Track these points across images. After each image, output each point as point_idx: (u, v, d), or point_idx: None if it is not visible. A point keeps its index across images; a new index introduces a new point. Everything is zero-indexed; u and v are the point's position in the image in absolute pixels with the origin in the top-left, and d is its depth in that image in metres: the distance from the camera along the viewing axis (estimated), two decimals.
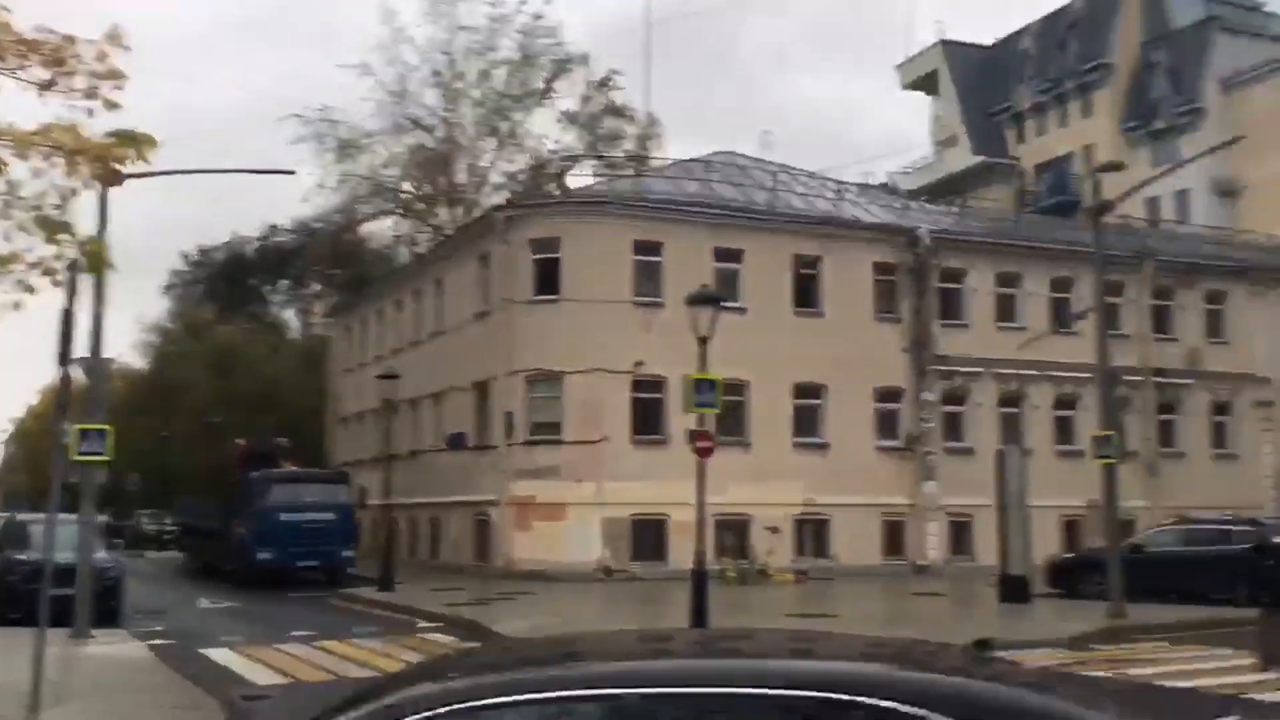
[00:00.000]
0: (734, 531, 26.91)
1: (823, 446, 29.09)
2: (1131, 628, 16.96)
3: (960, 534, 29.96)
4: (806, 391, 29.11)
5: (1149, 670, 12.91)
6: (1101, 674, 12.73)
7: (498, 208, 31.09)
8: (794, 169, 33.17)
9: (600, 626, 14.98)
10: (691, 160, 32.98)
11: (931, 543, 29.77)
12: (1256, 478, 33.28)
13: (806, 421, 29.14)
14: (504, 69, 43.67)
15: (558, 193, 37.50)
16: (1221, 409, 33.55)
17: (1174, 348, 32.81)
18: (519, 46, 43.22)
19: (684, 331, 15.82)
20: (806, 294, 29.61)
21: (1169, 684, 11.94)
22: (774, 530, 27.13)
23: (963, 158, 59.40)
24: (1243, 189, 49.77)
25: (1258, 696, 11.03)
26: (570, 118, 44.63)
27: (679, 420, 22.90)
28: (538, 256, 27.75)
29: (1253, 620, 18.16)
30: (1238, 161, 48.98)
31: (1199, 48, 52.52)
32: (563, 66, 43.77)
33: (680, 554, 21.59)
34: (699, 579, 14.81)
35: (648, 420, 27.05)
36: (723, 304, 16.18)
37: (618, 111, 45.00)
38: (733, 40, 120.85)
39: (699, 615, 14.53)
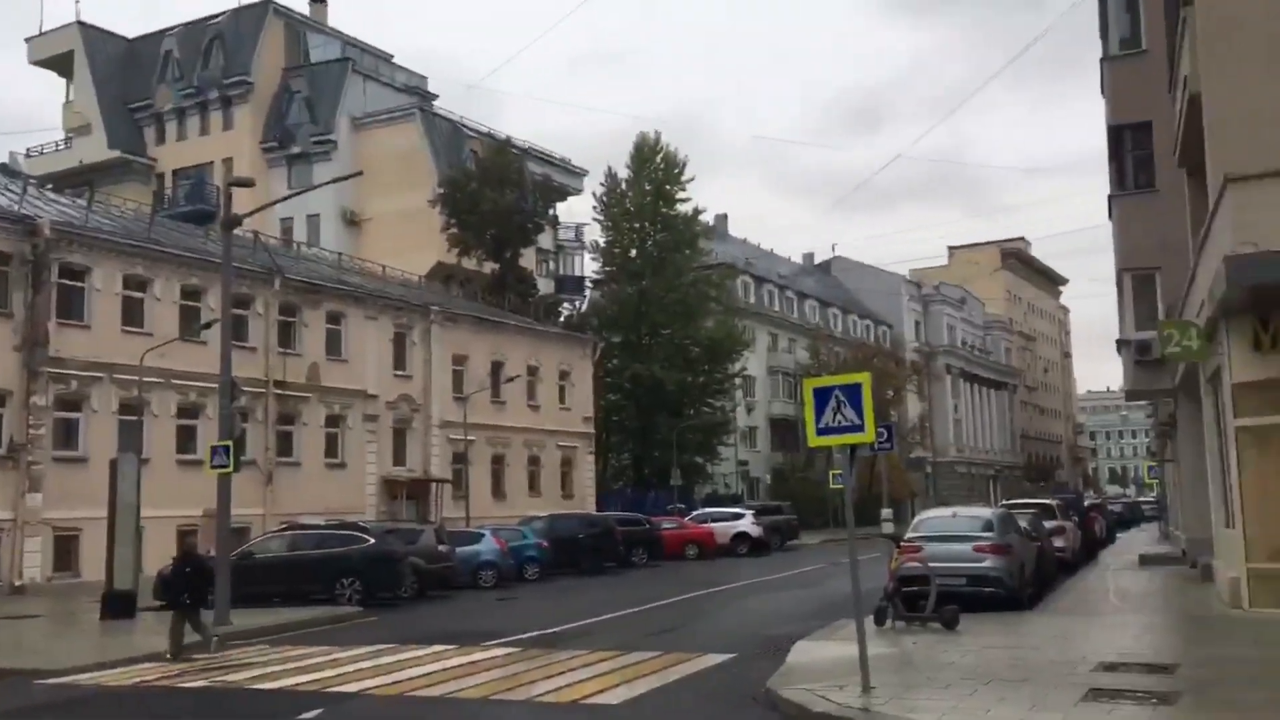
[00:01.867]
0: None
1: None
2: (236, 634, 17.29)
3: (67, 549, 27.90)
4: None
5: (244, 675, 13.24)
6: (201, 683, 12.74)
7: None
8: None
9: None
10: None
11: (31, 560, 27.22)
12: (362, 485, 36.50)
13: None
14: None
15: None
16: (335, 421, 36.12)
17: (297, 362, 34.54)
18: None
19: None
20: None
21: (263, 687, 12.36)
22: None
23: (97, 149, 56.05)
24: (365, 220, 54.58)
25: (343, 689, 11.92)
26: None
27: None
28: None
29: (353, 617, 19.91)
30: (363, 195, 53.66)
31: (335, 85, 56.44)
32: None
33: None
34: None
35: None
36: None
37: None
38: None
39: None
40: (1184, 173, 19.48)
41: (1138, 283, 24.26)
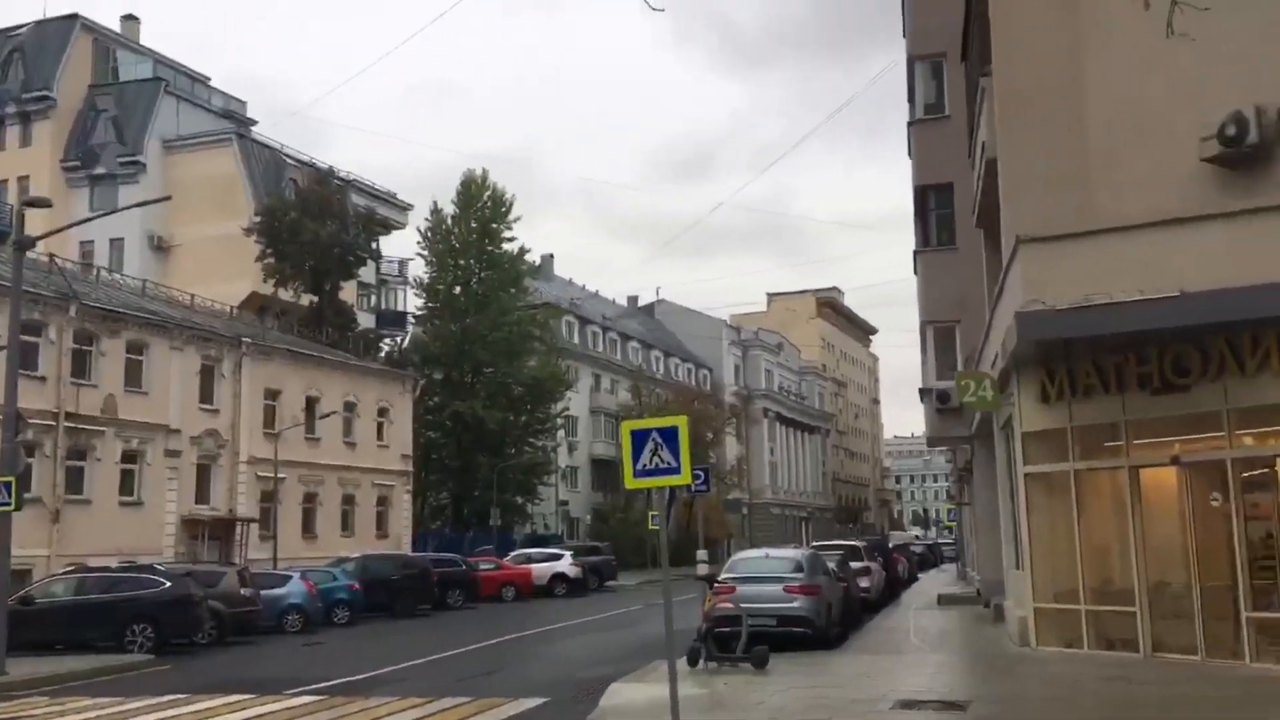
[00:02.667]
0: None
1: None
2: (14, 684, 16.08)
3: None
4: None
5: None
6: None
7: None
8: None
9: None
10: None
11: None
12: (160, 524, 34.55)
13: None
14: None
15: None
16: (132, 457, 34.12)
17: (92, 393, 32.53)
18: None
19: None
20: None
21: None
22: None
23: None
24: (175, 247, 52.20)
25: None
26: None
27: None
28: None
29: (144, 665, 18.75)
30: (171, 220, 51.32)
31: (145, 105, 53.99)
32: None
33: None
34: None
35: None
36: None
37: None
38: None
39: None
40: (982, 232, 20.67)
41: (939, 335, 25.56)
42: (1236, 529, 12.93)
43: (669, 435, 10.78)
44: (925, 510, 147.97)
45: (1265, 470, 13.20)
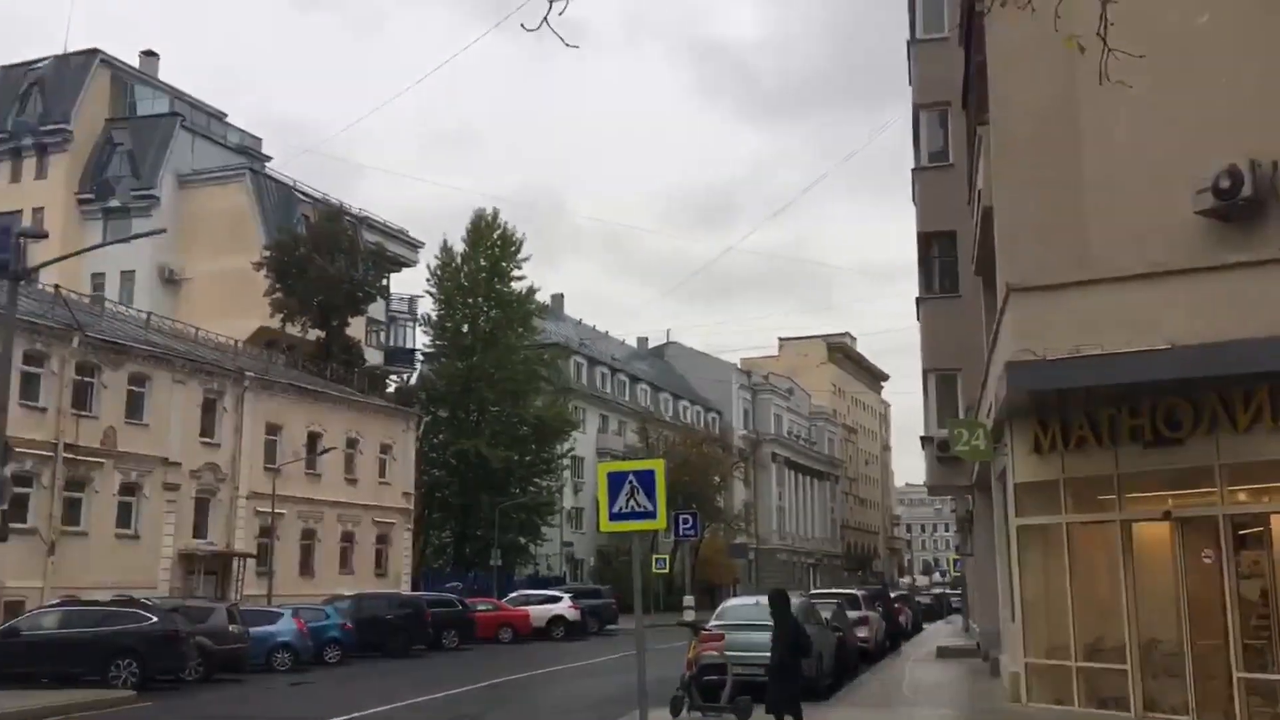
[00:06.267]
0: None
1: None
2: None
3: None
4: None
5: None
6: None
7: None
8: None
9: None
10: None
11: None
12: (157, 558, 34.39)
13: None
14: None
15: None
16: (131, 489, 34.03)
17: (92, 425, 32.52)
18: None
19: None
20: None
21: None
22: None
23: None
24: (185, 280, 52.46)
25: None
26: None
27: None
28: None
29: (126, 701, 18.53)
30: (184, 254, 51.70)
31: (161, 139, 54.51)
32: None
33: None
34: None
35: None
36: None
37: None
38: None
39: None
40: (981, 280, 20.54)
41: (941, 382, 25.34)
42: (1229, 587, 12.65)
43: (646, 479, 10.65)
44: (935, 560, 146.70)
45: (1260, 528, 12.93)
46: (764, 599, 21.17)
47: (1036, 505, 15.16)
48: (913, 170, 27.74)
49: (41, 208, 52.20)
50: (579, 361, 69.63)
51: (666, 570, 48.23)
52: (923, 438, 26.96)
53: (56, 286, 33.26)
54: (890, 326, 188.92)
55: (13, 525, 23.27)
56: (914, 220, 27.02)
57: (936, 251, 25.98)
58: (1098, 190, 14.75)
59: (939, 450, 24.71)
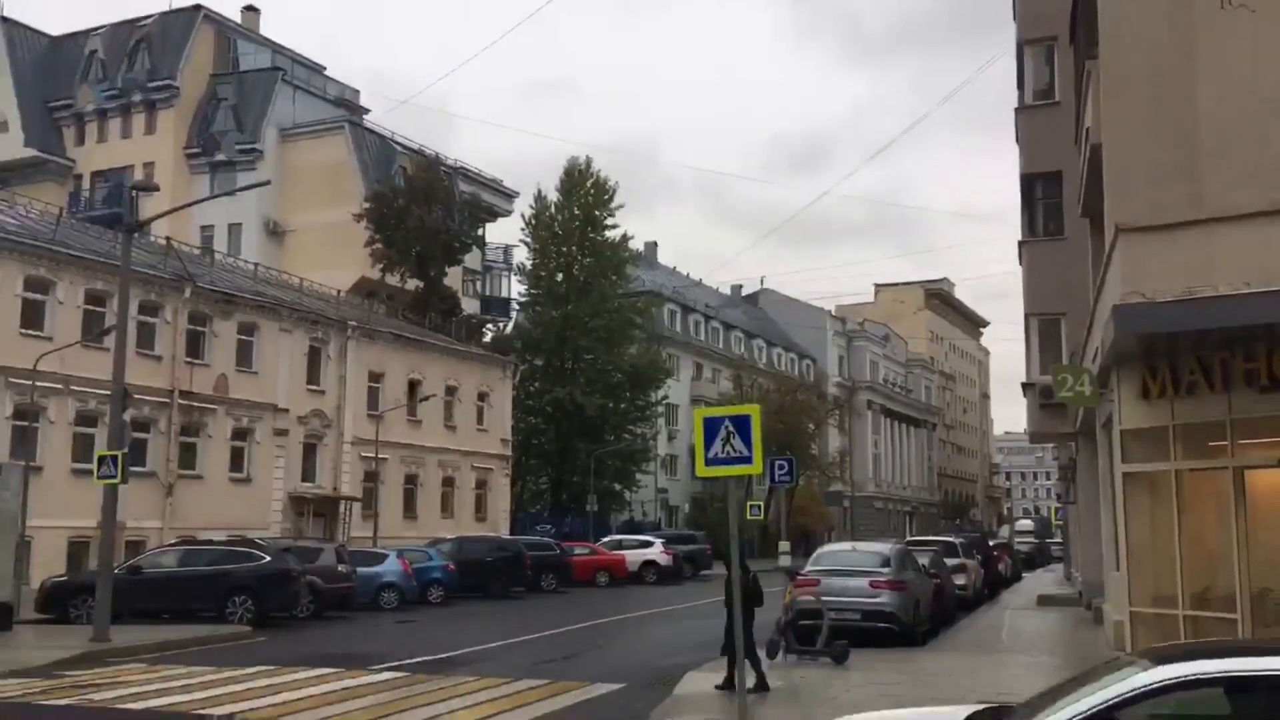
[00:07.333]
0: None
1: None
2: (115, 651, 16.73)
3: None
4: None
5: (112, 694, 12.76)
6: (65, 701, 12.25)
7: None
8: None
9: None
10: None
11: None
12: (267, 501, 35.67)
13: None
14: None
15: None
16: (242, 435, 35.27)
17: (205, 373, 33.69)
18: None
19: None
20: None
21: (129, 707, 11.92)
22: None
23: (12, 148, 54.41)
24: (289, 232, 53.73)
25: (210, 712, 11.53)
26: None
27: None
28: None
29: (241, 636, 19.37)
30: (287, 206, 52.89)
31: (263, 94, 55.58)
32: None
33: None
34: None
35: None
36: None
37: None
38: None
39: None
40: (1088, 221, 19.92)
41: (1044, 327, 24.76)
42: None
43: (741, 424, 10.62)
44: (1036, 508, 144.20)
45: None
46: (860, 545, 21.23)
47: (1144, 452, 14.77)
48: (1016, 110, 26.94)
49: (152, 162, 53.75)
50: (672, 309, 69.61)
51: (761, 517, 48.25)
52: (1024, 384, 26.44)
53: (168, 239, 34.35)
54: (990, 272, 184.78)
55: (132, 468, 24.32)
56: (1017, 162, 26.28)
57: (1041, 193, 25.24)
58: (1214, 125, 14.14)
59: (1041, 397, 24.21)
